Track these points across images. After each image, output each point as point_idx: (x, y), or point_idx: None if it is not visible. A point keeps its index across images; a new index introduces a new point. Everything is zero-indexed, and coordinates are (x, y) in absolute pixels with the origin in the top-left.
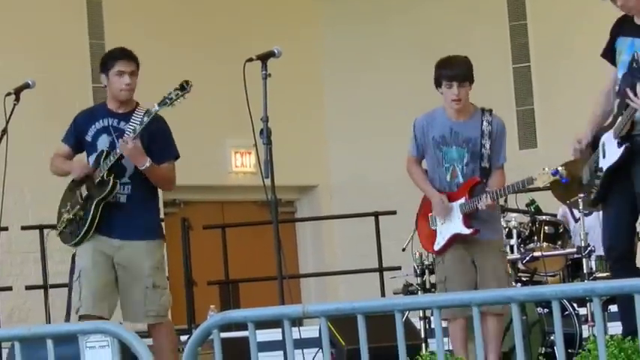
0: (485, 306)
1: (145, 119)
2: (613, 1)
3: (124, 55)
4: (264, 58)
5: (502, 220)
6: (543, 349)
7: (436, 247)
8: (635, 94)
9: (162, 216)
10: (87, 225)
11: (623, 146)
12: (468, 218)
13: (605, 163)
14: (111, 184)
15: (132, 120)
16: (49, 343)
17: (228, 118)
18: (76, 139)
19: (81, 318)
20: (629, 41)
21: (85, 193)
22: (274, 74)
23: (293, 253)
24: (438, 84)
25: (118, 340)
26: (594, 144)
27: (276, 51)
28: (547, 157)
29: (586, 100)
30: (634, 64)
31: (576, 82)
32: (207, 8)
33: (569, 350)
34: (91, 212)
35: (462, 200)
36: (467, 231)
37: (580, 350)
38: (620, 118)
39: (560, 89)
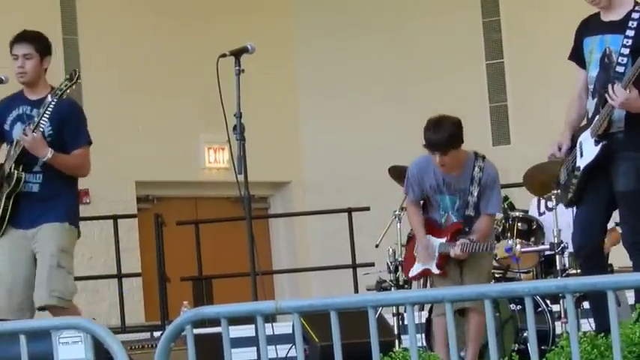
0: (470, 302)
1: (42, 110)
2: None
3: (16, 38)
4: (237, 53)
5: None
6: (516, 345)
7: (410, 274)
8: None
9: (135, 212)
10: (3, 223)
11: (600, 144)
12: (443, 258)
13: (582, 162)
14: (15, 177)
15: (54, 114)
16: (22, 338)
17: (202, 113)
18: None
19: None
20: (598, 39)
21: None
22: (247, 70)
23: (266, 250)
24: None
25: (90, 335)
26: (572, 145)
27: (249, 47)
28: (520, 153)
29: (558, 96)
30: (605, 60)
31: (549, 79)
32: (180, 3)
33: (542, 347)
34: (2, 206)
35: (443, 240)
36: (436, 271)
37: (553, 347)
38: (597, 117)
39: (533, 86)
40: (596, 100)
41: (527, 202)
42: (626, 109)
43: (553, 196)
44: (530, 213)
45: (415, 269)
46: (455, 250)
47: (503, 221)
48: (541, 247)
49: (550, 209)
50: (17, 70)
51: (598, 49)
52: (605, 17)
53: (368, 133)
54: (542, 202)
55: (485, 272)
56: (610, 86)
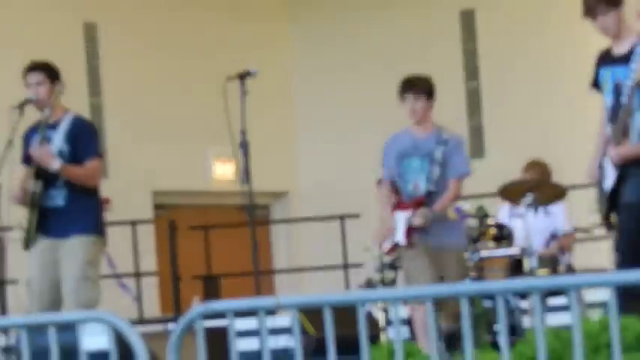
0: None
1: (51, 134)
2: (593, 20)
3: (28, 68)
4: (242, 76)
5: None
6: (489, 337)
7: (384, 249)
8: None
9: (151, 218)
10: (29, 231)
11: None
12: (410, 230)
13: (607, 185)
14: (31, 191)
15: (68, 134)
16: (52, 330)
17: (210, 131)
18: (27, 158)
19: None
20: (610, 71)
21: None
22: (250, 92)
23: (267, 252)
24: (400, 96)
25: (112, 327)
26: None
27: (252, 71)
28: (494, 166)
29: (526, 117)
30: (618, 91)
31: (519, 100)
32: (192, 31)
33: (512, 337)
34: (28, 219)
35: (408, 213)
36: (403, 242)
37: (521, 339)
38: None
39: (506, 106)
40: (611, 124)
41: (497, 209)
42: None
43: (523, 205)
44: (500, 219)
45: (387, 244)
46: (415, 219)
47: (479, 227)
48: (511, 250)
49: (519, 216)
50: (30, 96)
51: (610, 80)
52: (616, 49)
53: (357, 151)
54: (512, 209)
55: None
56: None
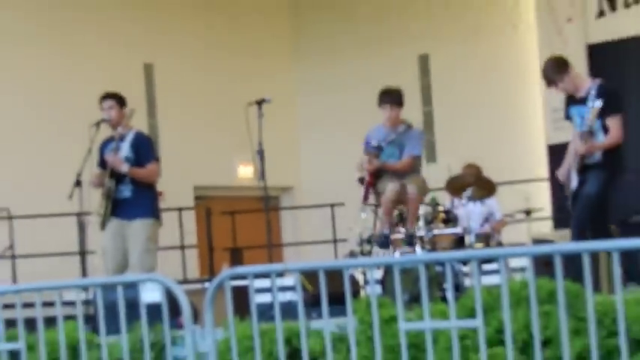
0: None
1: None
2: (556, 88)
3: (103, 96)
4: (259, 102)
5: None
6: (440, 293)
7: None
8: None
9: (192, 206)
10: (104, 214)
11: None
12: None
13: (573, 187)
14: (107, 186)
15: (132, 144)
16: (120, 288)
17: (235, 141)
18: (102, 162)
19: None
20: (576, 109)
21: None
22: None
23: (277, 231)
24: (379, 104)
25: (164, 286)
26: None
27: (267, 99)
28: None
29: (470, 132)
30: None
31: (463, 120)
32: (222, 69)
33: (456, 294)
34: (105, 205)
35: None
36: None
37: (463, 295)
38: (577, 157)
39: (452, 123)
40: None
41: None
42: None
43: (464, 197)
44: (447, 207)
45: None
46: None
47: (432, 212)
48: (456, 230)
49: (462, 205)
50: (104, 117)
51: (577, 116)
52: (577, 95)
53: (344, 157)
54: (455, 200)
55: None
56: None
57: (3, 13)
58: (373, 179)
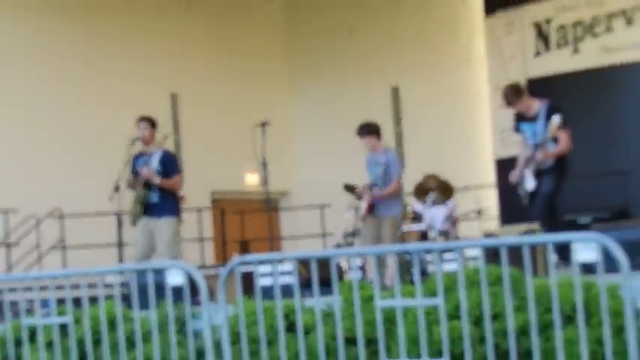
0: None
1: (149, 159)
2: (513, 107)
3: (139, 119)
4: (263, 124)
5: None
6: (409, 277)
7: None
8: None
9: (210, 206)
10: (136, 214)
11: (537, 180)
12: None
13: (529, 188)
14: (142, 194)
15: (161, 160)
16: (150, 273)
17: (244, 155)
18: (133, 172)
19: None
20: (527, 126)
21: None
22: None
23: (277, 227)
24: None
25: (185, 271)
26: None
27: (269, 121)
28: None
29: (433, 147)
30: (536, 136)
31: (426, 137)
32: (234, 96)
33: (422, 278)
34: (138, 208)
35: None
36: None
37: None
38: (532, 163)
39: (418, 140)
40: (532, 153)
41: (413, 202)
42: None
43: (428, 201)
44: (415, 208)
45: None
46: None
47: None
48: (421, 227)
49: (426, 208)
50: (138, 135)
51: (529, 131)
52: (527, 114)
53: (332, 169)
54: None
55: (389, 238)
56: (537, 150)
57: (58, 55)
58: (370, 208)
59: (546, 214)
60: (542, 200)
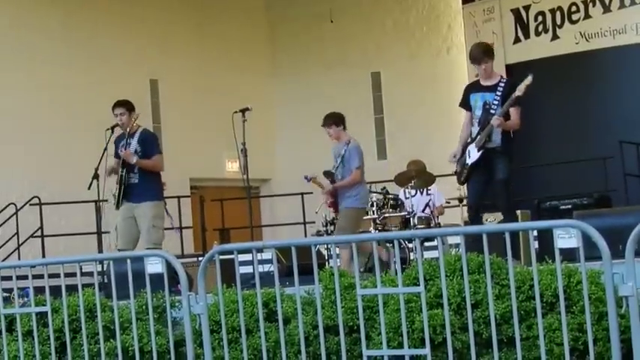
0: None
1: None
2: (478, 66)
3: (115, 104)
4: (243, 111)
5: (369, 196)
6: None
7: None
8: (489, 122)
9: (189, 194)
10: (120, 198)
11: (480, 151)
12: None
13: (470, 161)
14: (119, 174)
15: (139, 140)
16: (128, 261)
17: (224, 142)
18: (116, 154)
19: (119, 251)
20: (480, 95)
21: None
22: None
23: (258, 215)
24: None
25: (165, 260)
26: (462, 154)
27: (249, 107)
28: (392, 165)
29: (415, 136)
30: (486, 106)
31: (408, 126)
32: (215, 83)
33: (403, 266)
34: (118, 189)
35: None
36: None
37: (409, 265)
38: (479, 135)
39: (399, 129)
40: (479, 127)
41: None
42: (501, 128)
43: (410, 188)
44: (396, 195)
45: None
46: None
47: (383, 199)
48: (403, 213)
49: (413, 196)
50: (117, 122)
51: (480, 101)
52: (485, 83)
53: (311, 156)
54: (406, 191)
55: (347, 228)
56: (491, 118)
57: (37, 38)
58: (334, 199)
59: (510, 202)
60: (503, 188)
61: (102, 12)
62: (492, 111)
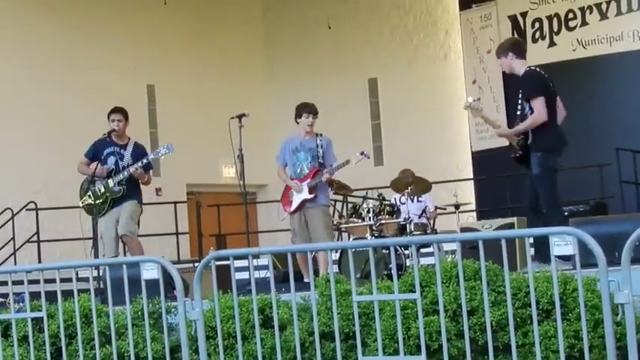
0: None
1: (145, 161)
2: (498, 59)
3: (112, 110)
4: (239, 117)
5: (364, 203)
6: (385, 272)
7: (291, 209)
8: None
9: (185, 200)
10: (105, 209)
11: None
12: (312, 190)
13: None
14: (121, 192)
15: (132, 153)
16: (124, 267)
17: (221, 148)
18: (93, 156)
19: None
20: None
21: (102, 189)
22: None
23: (254, 220)
24: (299, 115)
25: (161, 265)
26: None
27: (246, 113)
28: (389, 171)
29: (409, 141)
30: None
31: (402, 132)
32: (211, 89)
33: (399, 272)
34: (108, 203)
35: (308, 180)
36: (309, 196)
37: (405, 272)
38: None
39: (396, 135)
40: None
41: (391, 196)
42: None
43: (407, 195)
44: (393, 201)
45: (295, 204)
46: (326, 175)
47: (379, 206)
48: (399, 219)
49: (403, 202)
50: (114, 128)
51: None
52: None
53: None
54: (400, 197)
55: (328, 226)
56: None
57: (34, 45)
58: (286, 197)
59: (547, 197)
60: (538, 183)
61: (99, 18)
62: (519, 107)
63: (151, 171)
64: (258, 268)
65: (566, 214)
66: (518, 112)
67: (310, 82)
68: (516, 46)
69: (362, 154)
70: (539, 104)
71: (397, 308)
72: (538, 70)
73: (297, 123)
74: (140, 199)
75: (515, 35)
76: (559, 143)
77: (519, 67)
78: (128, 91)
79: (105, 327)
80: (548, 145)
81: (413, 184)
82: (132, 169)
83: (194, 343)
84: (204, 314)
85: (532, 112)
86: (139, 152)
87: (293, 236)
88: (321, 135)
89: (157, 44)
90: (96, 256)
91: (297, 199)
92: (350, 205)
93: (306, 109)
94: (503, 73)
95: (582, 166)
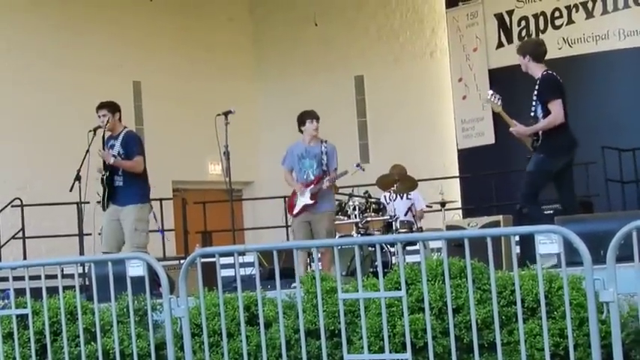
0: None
1: (121, 151)
2: (521, 59)
3: (98, 106)
4: (226, 113)
5: (350, 201)
6: (371, 269)
7: (294, 212)
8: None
9: (171, 197)
10: (103, 201)
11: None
12: (313, 196)
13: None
14: (101, 176)
15: (122, 142)
16: (110, 264)
17: (207, 144)
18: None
19: (103, 254)
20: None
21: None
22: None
23: (240, 218)
24: (302, 123)
25: (146, 262)
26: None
27: (232, 110)
28: (375, 168)
29: (396, 140)
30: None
31: (390, 129)
32: (198, 86)
33: (385, 270)
34: (104, 193)
35: (312, 186)
36: (310, 202)
37: (390, 270)
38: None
39: (381, 132)
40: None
41: (377, 194)
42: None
43: (393, 192)
44: (378, 199)
45: (297, 208)
46: (327, 183)
47: (365, 203)
48: (385, 217)
49: (390, 199)
50: (99, 124)
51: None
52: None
53: None
54: (387, 195)
55: (330, 231)
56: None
57: (20, 41)
58: (293, 201)
59: (525, 193)
60: (526, 179)
61: (86, 14)
62: (532, 108)
63: (137, 157)
64: (243, 265)
65: (551, 212)
66: (532, 114)
67: (297, 79)
68: (535, 50)
69: (357, 166)
70: (557, 106)
71: (383, 306)
72: (554, 73)
73: (301, 131)
74: (143, 197)
75: (502, 33)
76: (569, 146)
77: (536, 71)
78: (114, 88)
79: (90, 324)
80: (553, 148)
81: (399, 181)
82: (111, 161)
83: (179, 341)
84: (189, 311)
85: (545, 114)
86: (126, 139)
87: (293, 237)
88: (326, 141)
89: (143, 41)
90: (82, 252)
91: (299, 204)
92: (336, 203)
93: (309, 115)
94: (489, 71)
95: None
